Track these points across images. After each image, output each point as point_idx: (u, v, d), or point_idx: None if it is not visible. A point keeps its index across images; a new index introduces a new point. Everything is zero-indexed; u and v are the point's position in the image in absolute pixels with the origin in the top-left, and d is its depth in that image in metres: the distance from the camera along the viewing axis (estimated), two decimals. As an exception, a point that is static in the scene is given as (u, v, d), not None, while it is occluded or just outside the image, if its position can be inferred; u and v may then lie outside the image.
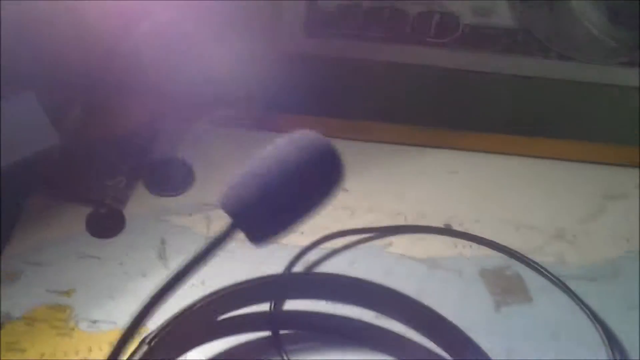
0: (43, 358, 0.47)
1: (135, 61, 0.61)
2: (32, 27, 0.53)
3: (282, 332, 0.49)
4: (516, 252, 0.56)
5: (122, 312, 0.50)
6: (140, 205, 0.58)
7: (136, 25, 0.61)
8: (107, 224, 0.56)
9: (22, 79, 0.55)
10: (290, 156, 0.29)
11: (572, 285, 0.54)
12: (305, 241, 0.55)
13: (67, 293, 0.51)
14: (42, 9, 0.55)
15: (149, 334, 0.42)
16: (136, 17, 0.61)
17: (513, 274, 0.55)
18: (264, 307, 0.50)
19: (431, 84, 0.70)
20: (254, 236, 0.30)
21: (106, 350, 0.47)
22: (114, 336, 0.48)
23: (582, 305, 0.52)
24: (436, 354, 0.48)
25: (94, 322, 0.49)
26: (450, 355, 0.47)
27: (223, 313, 0.47)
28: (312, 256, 0.55)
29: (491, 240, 0.57)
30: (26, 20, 0.53)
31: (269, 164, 0.29)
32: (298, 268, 0.54)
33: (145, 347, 0.42)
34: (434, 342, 0.48)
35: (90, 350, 0.47)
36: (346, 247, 0.56)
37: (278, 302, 0.50)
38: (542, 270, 0.54)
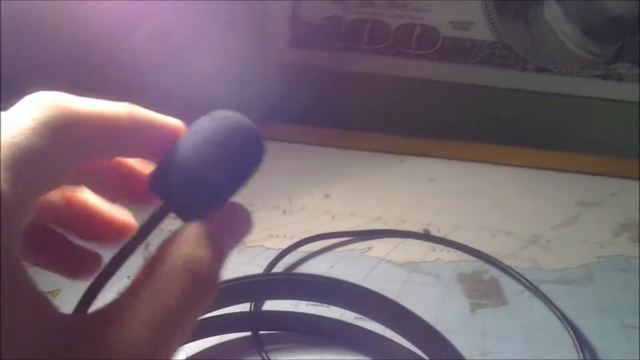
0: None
1: (131, 66, 0.62)
2: (33, 30, 0.54)
3: (262, 332, 0.50)
4: (492, 257, 0.57)
5: (106, 312, 0.50)
6: (136, 211, 0.59)
7: (130, 31, 0.62)
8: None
9: (22, 82, 0.56)
10: (211, 134, 0.30)
11: (546, 289, 0.55)
12: (286, 244, 0.56)
13: (52, 294, 0.52)
14: (43, 11, 0.56)
15: None
16: (130, 23, 0.62)
17: (489, 278, 0.56)
18: (244, 307, 0.50)
19: (412, 94, 0.71)
20: (186, 215, 0.30)
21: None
22: (98, 335, 0.49)
23: (555, 309, 0.53)
24: (414, 354, 0.49)
25: (79, 322, 0.50)
26: (427, 355, 0.48)
27: (202, 313, 0.48)
28: (292, 259, 0.56)
29: (468, 246, 0.58)
30: (27, 23, 0.54)
31: (191, 143, 0.30)
32: (278, 270, 0.55)
33: None
34: (412, 342, 0.49)
35: (74, 349, 0.48)
36: (326, 250, 0.57)
37: (258, 302, 0.51)
38: (516, 275, 0.56)
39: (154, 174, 0.32)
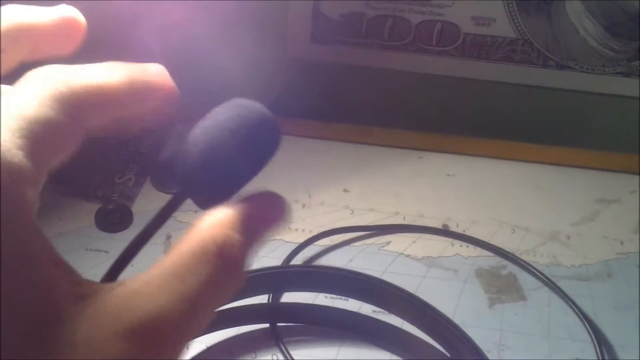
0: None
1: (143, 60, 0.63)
2: None
3: (280, 324, 0.51)
4: (510, 253, 0.57)
5: (128, 302, 0.51)
6: (148, 202, 0.60)
7: (144, 24, 0.63)
8: (115, 219, 0.58)
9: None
10: (228, 121, 0.31)
11: (565, 285, 0.55)
12: (305, 238, 0.57)
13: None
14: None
15: None
16: (144, 16, 0.63)
17: (508, 273, 0.57)
18: (262, 299, 0.51)
19: (432, 90, 0.72)
20: (202, 201, 0.31)
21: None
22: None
23: (572, 305, 0.53)
24: (432, 347, 0.49)
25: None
26: (445, 349, 0.49)
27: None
28: (310, 252, 0.56)
29: (486, 242, 0.58)
30: None
31: (208, 129, 0.30)
32: (296, 263, 0.56)
33: None
34: (430, 336, 0.49)
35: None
36: (344, 244, 0.58)
37: (276, 294, 0.51)
38: (534, 270, 0.56)
39: (170, 161, 0.32)
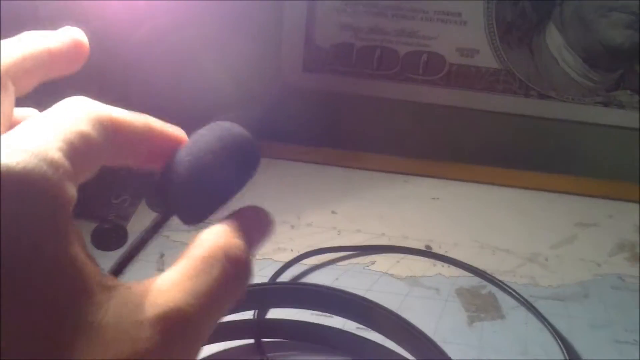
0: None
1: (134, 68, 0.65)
2: (33, 30, 0.56)
3: (265, 340, 0.52)
4: (488, 274, 0.59)
5: (121, 317, 0.53)
6: (143, 221, 0.62)
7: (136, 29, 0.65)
8: (110, 238, 0.60)
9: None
10: (208, 143, 0.33)
11: (543, 305, 0.57)
12: (292, 257, 0.59)
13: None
14: (43, 11, 0.59)
15: None
16: (136, 21, 0.65)
17: (487, 293, 0.59)
18: (248, 315, 0.52)
19: (418, 118, 0.74)
20: (187, 217, 0.33)
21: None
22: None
23: (547, 324, 0.55)
24: (412, 364, 0.51)
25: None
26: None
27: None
28: (297, 270, 0.59)
29: (467, 263, 0.60)
30: (27, 23, 0.56)
31: (191, 151, 0.33)
32: (283, 280, 0.58)
33: None
34: (410, 354, 0.51)
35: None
36: (330, 263, 0.60)
37: (262, 310, 0.53)
38: (511, 291, 0.58)
39: (159, 180, 0.35)
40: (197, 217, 0.35)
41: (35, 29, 0.29)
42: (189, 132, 0.34)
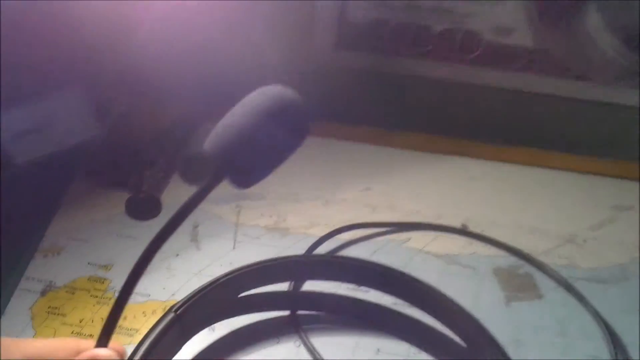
0: (82, 323, 0.51)
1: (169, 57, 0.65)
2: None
3: (300, 312, 0.52)
4: (527, 253, 0.59)
5: (156, 286, 0.53)
6: (176, 193, 0.61)
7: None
8: (144, 208, 0.59)
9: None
10: (261, 105, 0.33)
11: (581, 286, 0.56)
12: (327, 232, 0.59)
13: (106, 267, 0.55)
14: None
15: (176, 304, 0.44)
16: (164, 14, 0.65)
17: (524, 273, 0.58)
18: (284, 286, 0.52)
19: (452, 97, 0.73)
20: (239, 180, 0.33)
21: (140, 318, 0.51)
22: (148, 306, 0.52)
23: (588, 305, 0.54)
24: (450, 340, 0.50)
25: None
26: (464, 342, 0.50)
27: (244, 290, 0.49)
28: (332, 245, 0.58)
29: (504, 242, 0.59)
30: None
31: (244, 113, 0.32)
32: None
33: (171, 315, 0.44)
34: (449, 329, 0.50)
35: (125, 318, 0.51)
36: (366, 239, 0.59)
37: (297, 282, 0.53)
38: (550, 271, 0.57)
39: (211, 141, 0.34)
40: (251, 180, 0.34)
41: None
42: (223, 108, 0.33)
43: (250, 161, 0.34)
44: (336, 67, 0.73)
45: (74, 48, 0.59)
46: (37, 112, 0.62)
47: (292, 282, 0.52)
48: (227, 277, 0.47)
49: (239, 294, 0.49)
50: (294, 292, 0.52)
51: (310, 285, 0.53)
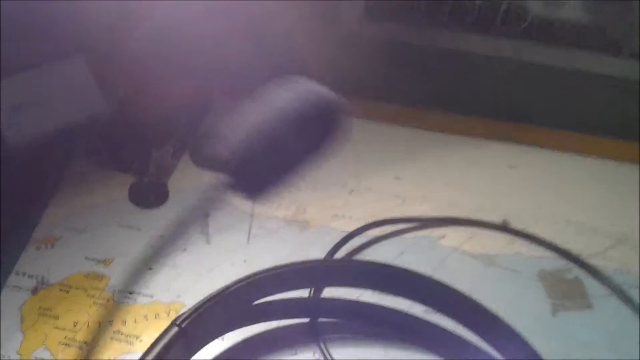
0: (76, 327, 0.45)
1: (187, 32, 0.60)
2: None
3: (320, 319, 0.47)
4: (576, 256, 0.53)
5: (160, 286, 0.48)
6: (184, 179, 0.56)
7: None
8: (150, 194, 0.54)
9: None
10: (291, 112, 0.29)
11: (635, 294, 0.51)
12: (352, 226, 0.54)
13: (105, 262, 0.50)
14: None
15: (180, 315, 0.40)
16: None
17: (573, 277, 0.52)
18: (303, 293, 0.47)
19: (493, 74, 0.67)
20: (249, 195, 0.30)
21: (141, 323, 0.46)
22: (150, 309, 0.47)
23: (645, 317, 0.49)
24: (489, 356, 0.45)
25: (131, 293, 0.48)
26: (504, 357, 0.45)
27: (259, 297, 0.45)
28: (358, 242, 0.53)
29: (550, 242, 0.54)
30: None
31: (270, 119, 0.29)
32: (342, 253, 0.52)
33: (175, 329, 0.39)
34: (487, 343, 0.45)
35: (124, 322, 0.46)
36: (395, 234, 0.54)
37: (317, 288, 0.48)
38: (603, 277, 0.51)
39: (232, 150, 0.31)
40: (262, 197, 0.32)
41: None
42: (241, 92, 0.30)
43: (268, 181, 0.31)
44: (364, 38, 0.67)
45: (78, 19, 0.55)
46: (36, 83, 0.57)
47: (312, 289, 0.47)
48: (239, 284, 0.41)
49: (252, 303, 0.44)
50: (314, 299, 0.47)
51: (332, 291, 0.48)
